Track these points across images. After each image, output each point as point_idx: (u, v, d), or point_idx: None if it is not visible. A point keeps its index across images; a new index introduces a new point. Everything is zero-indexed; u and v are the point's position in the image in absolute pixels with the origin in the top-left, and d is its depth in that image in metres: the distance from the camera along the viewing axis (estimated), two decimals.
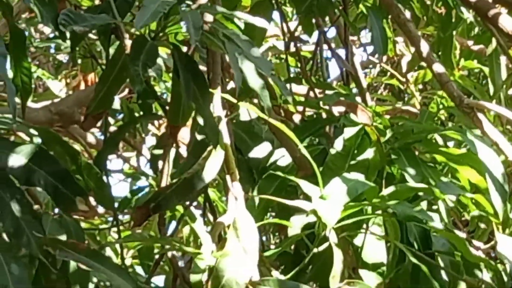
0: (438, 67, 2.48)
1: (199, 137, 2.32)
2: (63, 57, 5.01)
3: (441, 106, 3.49)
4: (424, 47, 2.45)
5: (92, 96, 2.29)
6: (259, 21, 2.19)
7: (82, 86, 4.43)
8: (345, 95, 2.58)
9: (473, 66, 4.26)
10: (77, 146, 4.08)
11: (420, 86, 4.75)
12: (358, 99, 2.91)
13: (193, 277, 2.04)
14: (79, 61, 4.28)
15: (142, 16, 1.99)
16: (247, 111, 2.52)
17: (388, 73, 4.86)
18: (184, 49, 2.30)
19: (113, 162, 5.42)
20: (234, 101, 2.19)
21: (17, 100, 2.17)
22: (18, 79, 2.16)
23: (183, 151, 2.32)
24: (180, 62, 2.08)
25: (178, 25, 2.24)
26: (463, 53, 4.17)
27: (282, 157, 2.44)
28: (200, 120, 2.27)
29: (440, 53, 3.36)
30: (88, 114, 2.36)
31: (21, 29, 2.22)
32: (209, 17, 2.22)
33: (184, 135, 2.31)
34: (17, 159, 1.97)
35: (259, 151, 2.49)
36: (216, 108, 2.14)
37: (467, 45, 4.25)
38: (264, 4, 3.03)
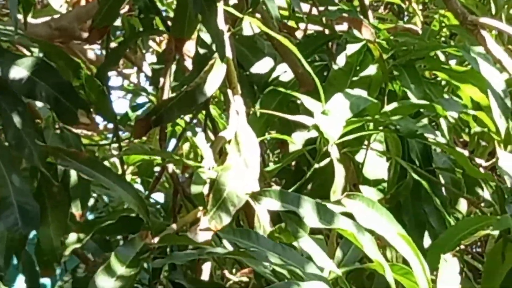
0: None
1: (201, 51, 2.31)
2: None
3: (443, 25, 3.46)
4: None
5: (95, 11, 2.29)
6: None
7: (83, 2, 4.41)
8: (348, 11, 2.56)
9: None
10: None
11: (421, 7, 4.73)
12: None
13: (195, 189, 2.05)
14: None
15: None
16: (250, 26, 2.51)
17: None
18: None
19: (113, 80, 5.37)
20: (238, 15, 2.17)
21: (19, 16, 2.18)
22: None
23: (189, 64, 2.31)
24: None
25: None
26: None
27: (284, 73, 2.43)
28: (203, 34, 2.27)
29: None
30: (93, 27, 2.36)
31: None
32: None
33: (190, 47, 2.30)
34: (19, 71, 1.96)
35: (261, 66, 2.49)
36: (219, 22, 2.12)
37: None
38: None
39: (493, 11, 4.02)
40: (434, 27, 3.32)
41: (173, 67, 2.42)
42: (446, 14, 3.54)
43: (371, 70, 2.30)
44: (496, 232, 1.99)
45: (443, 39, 3.92)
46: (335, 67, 2.30)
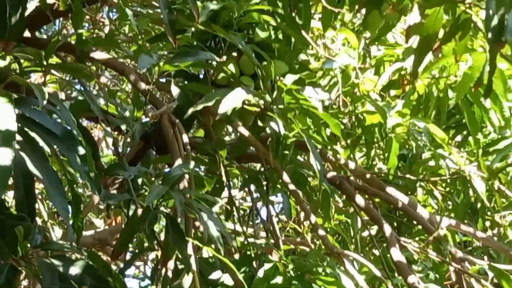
0: (320, 229, 3.90)
1: (179, 265, 3.61)
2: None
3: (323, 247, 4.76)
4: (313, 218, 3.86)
5: (118, 236, 3.55)
6: (217, 200, 3.59)
7: (113, 223, 6.10)
8: (266, 243, 3.95)
9: (342, 218, 5.78)
10: None
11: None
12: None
13: None
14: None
15: (149, 197, 3.29)
16: (207, 251, 3.68)
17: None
18: None
19: None
20: (200, 245, 3.42)
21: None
22: (75, 224, 3.13)
23: (170, 273, 3.56)
24: (170, 223, 3.42)
25: (170, 200, 3.47)
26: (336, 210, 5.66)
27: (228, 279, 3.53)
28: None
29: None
30: (114, 250, 3.65)
31: (79, 196, 3.17)
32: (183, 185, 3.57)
33: (170, 265, 3.56)
34: (74, 269, 2.89)
35: (215, 275, 3.53)
36: (189, 249, 3.34)
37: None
38: (220, 188, 4.44)
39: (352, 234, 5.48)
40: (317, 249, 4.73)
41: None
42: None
43: (279, 279, 3.40)
44: None
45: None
46: (257, 277, 3.42)
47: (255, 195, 4.82)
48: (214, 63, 4.02)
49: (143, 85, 4.02)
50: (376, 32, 4.70)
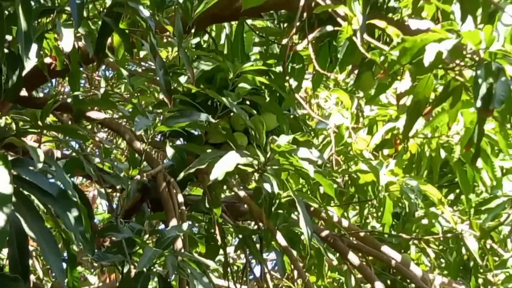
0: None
1: None
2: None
3: None
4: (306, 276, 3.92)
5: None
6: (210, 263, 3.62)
7: (107, 280, 6.12)
8: None
9: (335, 276, 5.82)
10: None
11: None
12: None
13: None
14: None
15: (142, 261, 3.28)
16: None
17: None
18: None
19: None
20: None
21: None
22: (70, 283, 3.07)
23: None
24: (163, 284, 3.41)
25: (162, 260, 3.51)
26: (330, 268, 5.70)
27: None
28: None
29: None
30: None
31: (74, 255, 3.06)
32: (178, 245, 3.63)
33: None
34: None
35: None
36: None
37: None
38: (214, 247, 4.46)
39: None
40: None
41: None
42: None
43: None
44: None
45: None
46: None
47: (248, 252, 4.84)
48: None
49: (138, 144, 4.08)
50: (369, 92, 4.79)
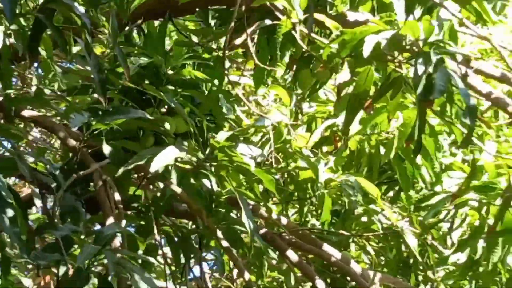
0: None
1: None
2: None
3: None
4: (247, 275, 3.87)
5: None
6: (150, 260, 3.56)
7: (42, 283, 5.97)
8: None
9: (275, 275, 5.78)
10: None
11: None
12: None
13: None
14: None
15: (81, 257, 3.20)
16: None
17: None
18: None
19: None
20: None
21: None
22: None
23: None
24: (102, 283, 3.34)
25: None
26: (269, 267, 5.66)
27: None
28: None
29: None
30: None
31: (9, 258, 3.21)
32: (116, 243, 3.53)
33: None
34: None
35: None
36: None
37: None
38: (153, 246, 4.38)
39: None
40: None
41: None
42: None
43: None
44: None
45: None
46: None
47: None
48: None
49: (73, 143, 4.00)
50: (307, 89, 4.77)
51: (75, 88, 4.28)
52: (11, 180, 6.65)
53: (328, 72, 4.22)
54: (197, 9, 4.74)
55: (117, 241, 3.57)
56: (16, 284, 6.60)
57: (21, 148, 6.24)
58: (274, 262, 5.65)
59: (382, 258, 6.00)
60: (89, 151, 4.04)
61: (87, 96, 4.55)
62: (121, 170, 3.66)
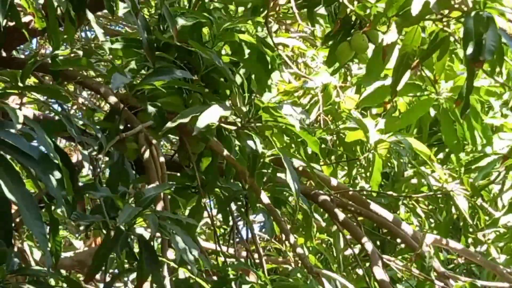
0: (299, 249, 3.82)
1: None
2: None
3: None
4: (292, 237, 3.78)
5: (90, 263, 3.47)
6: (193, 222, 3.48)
7: (93, 245, 5.96)
8: (244, 264, 3.86)
9: (324, 237, 5.73)
10: None
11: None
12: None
13: None
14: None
15: (121, 217, 3.12)
16: (183, 273, 3.59)
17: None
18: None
19: None
20: (176, 266, 3.40)
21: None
22: (53, 248, 3.08)
23: None
24: (143, 245, 3.28)
25: (142, 222, 3.36)
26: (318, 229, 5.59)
27: None
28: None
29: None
30: (88, 273, 3.53)
31: (57, 219, 3.14)
32: (159, 206, 3.48)
33: (146, 287, 3.45)
34: None
35: None
36: (164, 271, 3.31)
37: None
38: (198, 208, 4.29)
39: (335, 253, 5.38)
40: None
41: None
42: None
43: None
44: None
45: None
46: None
47: (235, 214, 4.68)
48: None
49: (115, 101, 3.93)
50: (344, 63, 4.63)
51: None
52: (61, 143, 6.62)
53: (367, 43, 4.07)
54: None
55: (160, 204, 3.50)
56: (67, 246, 6.59)
57: (71, 111, 6.21)
58: (323, 224, 5.56)
59: (432, 220, 5.87)
60: (132, 112, 3.93)
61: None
62: (164, 128, 3.55)
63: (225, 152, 3.84)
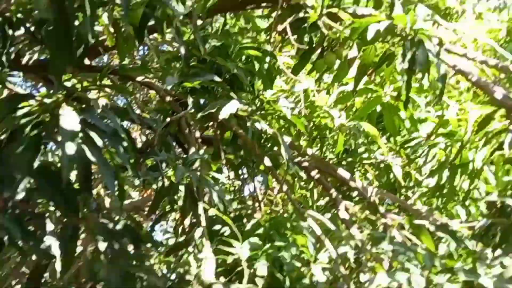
0: (290, 194, 3.90)
1: None
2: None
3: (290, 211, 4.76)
4: (285, 186, 3.88)
5: (150, 203, 3.56)
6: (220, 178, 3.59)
7: (145, 195, 6.02)
8: (252, 207, 3.95)
9: (304, 192, 5.78)
10: None
11: None
12: None
13: None
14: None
15: (178, 175, 3.27)
16: (213, 211, 3.60)
17: None
18: None
19: None
20: (208, 207, 3.49)
21: None
22: (120, 195, 3.02)
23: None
24: (188, 192, 3.42)
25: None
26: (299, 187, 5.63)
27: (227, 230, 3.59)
28: None
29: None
30: (148, 211, 3.65)
31: (123, 177, 3.14)
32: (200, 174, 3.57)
33: (187, 221, 3.52)
34: (117, 227, 2.92)
35: (217, 228, 3.59)
36: (200, 210, 3.39)
37: None
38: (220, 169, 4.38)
39: None
40: None
41: None
42: None
43: (260, 230, 3.43)
44: None
45: None
46: (246, 228, 3.58)
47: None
48: None
49: (168, 98, 4.02)
50: (321, 73, 4.68)
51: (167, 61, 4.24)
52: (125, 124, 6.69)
53: (335, 58, 4.17)
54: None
55: (197, 164, 3.60)
56: (127, 197, 6.67)
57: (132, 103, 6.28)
58: (302, 183, 5.63)
59: (376, 182, 5.96)
60: (178, 102, 4.03)
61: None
62: (199, 115, 3.66)
63: (241, 131, 3.94)
